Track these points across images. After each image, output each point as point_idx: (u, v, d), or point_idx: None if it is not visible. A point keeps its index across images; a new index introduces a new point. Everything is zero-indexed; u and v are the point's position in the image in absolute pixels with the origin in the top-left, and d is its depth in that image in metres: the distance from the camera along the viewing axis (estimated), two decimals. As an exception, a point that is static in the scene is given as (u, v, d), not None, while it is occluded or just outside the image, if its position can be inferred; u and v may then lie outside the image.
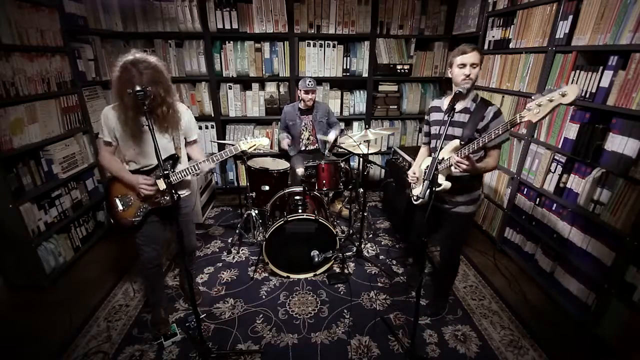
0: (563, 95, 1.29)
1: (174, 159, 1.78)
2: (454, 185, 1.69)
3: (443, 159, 1.66)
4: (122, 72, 1.52)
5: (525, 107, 1.41)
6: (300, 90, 2.88)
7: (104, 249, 2.77)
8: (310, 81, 2.80)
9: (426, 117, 1.94)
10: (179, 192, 1.85)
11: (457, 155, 1.54)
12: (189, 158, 1.92)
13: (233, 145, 1.84)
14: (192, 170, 1.76)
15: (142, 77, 1.51)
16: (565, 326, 2.03)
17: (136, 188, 1.72)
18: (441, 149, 1.74)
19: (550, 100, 1.33)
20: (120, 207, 1.77)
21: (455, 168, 1.55)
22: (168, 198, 1.77)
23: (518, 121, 1.41)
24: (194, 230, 2.10)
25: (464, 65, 1.60)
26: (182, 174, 1.74)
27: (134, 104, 1.53)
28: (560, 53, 2.13)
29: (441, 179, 1.67)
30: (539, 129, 2.32)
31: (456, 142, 1.63)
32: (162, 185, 1.74)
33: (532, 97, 1.39)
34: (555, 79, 2.16)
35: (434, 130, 1.82)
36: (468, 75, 1.60)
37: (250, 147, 1.88)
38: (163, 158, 1.68)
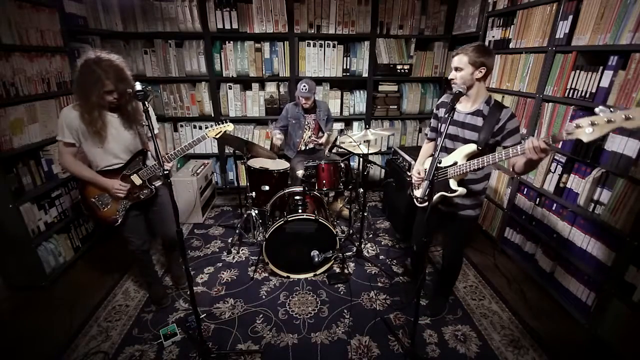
0: (627, 119, 1.09)
1: (144, 154, 1.85)
2: (464, 188, 1.66)
3: (455, 163, 1.63)
4: (86, 71, 1.55)
5: (573, 122, 1.22)
6: (298, 96, 2.91)
7: (104, 249, 2.77)
8: (304, 86, 2.80)
9: (435, 112, 1.89)
10: (154, 184, 1.93)
11: (534, 142, 1.32)
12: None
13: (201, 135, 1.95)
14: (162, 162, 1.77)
15: (109, 75, 1.55)
16: (565, 326, 2.03)
17: (111, 191, 1.76)
18: (446, 149, 1.74)
19: (609, 122, 1.13)
20: (101, 207, 1.81)
21: (533, 154, 1.35)
22: (146, 192, 1.87)
23: (564, 137, 1.25)
24: (173, 218, 2.13)
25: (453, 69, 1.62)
26: (152, 169, 1.83)
27: (99, 102, 1.59)
28: (560, 53, 2.12)
29: (453, 184, 1.65)
30: (539, 129, 2.32)
31: (473, 146, 1.60)
32: (137, 180, 1.82)
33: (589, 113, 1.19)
34: (555, 79, 2.16)
35: (448, 129, 1.74)
36: (451, 80, 1.62)
37: (216, 134, 2.01)
38: (133, 154, 1.79)
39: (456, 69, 1.60)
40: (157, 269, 2.47)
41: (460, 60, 1.58)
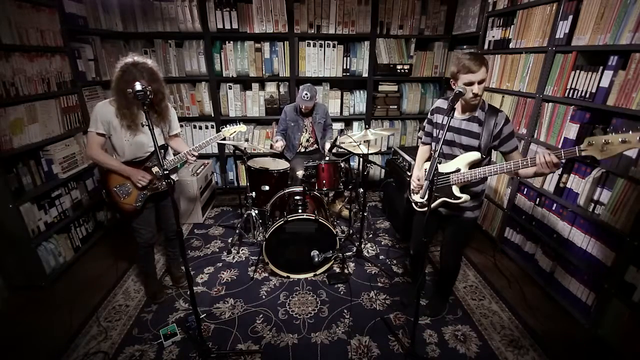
0: None
1: (165, 149, 2.03)
2: (465, 193, 1.65)
3: (458, 170, 1.62)
4: (124, 72, 1.72)
5: (586, 140, 1.25)
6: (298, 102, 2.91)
7: (104, 249, 2.77)
8: (305, 94, 2.79)
9: (429, 117, 1.87)
10: (172, 177, 2.06)
11: (547, 157, 1.34)
12: (174, 149, 2.14)
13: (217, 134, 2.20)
14: (184, 156, 1.98)
15: (143, 76, 1.71)
16: (565, 326, 2.03)
17: (134, 179, 1.89)
18: (443, 155, 1.74)
19: (624, 142, 1.16)
20: (122, 196, 1.92)
21: (546, 169, 1.37)
22: (165, 183, 1.93)
23: (577, 154, 1.27)
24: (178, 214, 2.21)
25: (471, 83, 1.51)
26: (176, 160, 1.98)
27: (134, 99, 1.69)
28: (560, 53, 2.12)
29: (456, 191, 1.65)
30: (539, 129, 2.32)
31: (476, 155, 1.59)
32: (156, 171, 1.96)
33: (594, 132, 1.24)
34: (555, 79, 2.16)
35: (441, 135, 1.71)
36: (477, 95, 1.52)
37: (231, 133, 2.23)
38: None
39: (480, 82, 1.51)
40: (157, 268, 2.48)
41: (484, 72, 1.50)
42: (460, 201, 1.63)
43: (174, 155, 2.04)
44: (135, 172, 1.88)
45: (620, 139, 1.16)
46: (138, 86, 1.44)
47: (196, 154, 1.99)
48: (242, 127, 2.31)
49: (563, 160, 1.31)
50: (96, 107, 1.84)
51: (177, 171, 2.17)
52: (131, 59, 1.75)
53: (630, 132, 1.15)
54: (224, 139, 2.24)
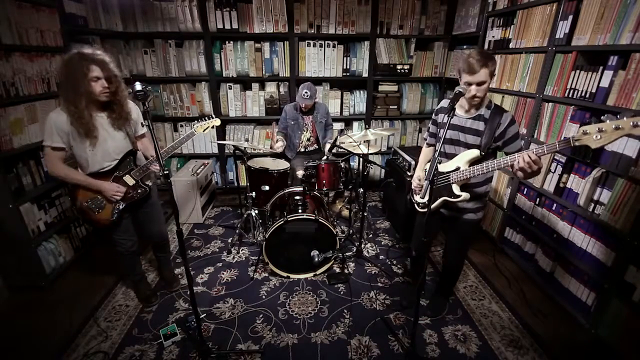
0: (635, 126, 1.11)
1: (133, 154, 1.85)
2: (468, 193, 1.65)
3: (458, 168, 1.62)
4: (71, 64, 1.55)
5: (580, 129, 1.24)
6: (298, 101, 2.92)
7: (104, 249, 2.76)
8: (305, 92, 2.80)
9: (434, 117, 1.87)
10: (147, 183, 1.92)
11: (525, 158, 1.37)
12: (143, 152, 1.98)
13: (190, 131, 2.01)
14: (154, 161, 1.83)
15: (96, 62, 1.56)
16: (565, 326, 2.03)
17: (107, 194, 1.75)
18: (446, 154, 1.74)
19: (617, 128, 1.14)
20: (95, 211, 1.79)
21: (520, 169, 1.40)
22: (140, 191, 1.87)
23: (571, 144, 1.26)
24: (163, 219, 2.17)
25: (470, 84, 1.52)
26: (147, 166, 1.83)
27: (88, 93, 1.58)
28: (560, 53, 2.12)
29: (456, 189, 1.64)
30: (539, 129, 2.32)
31: (475, 152, 1.59)
32: (130, 181, 1.82)
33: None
34: (555, 79, 2.16)
35: (448, 134, 1.69)
36: (474, 96, 1.53)
37: (204, 129, 2.06)
38: (123, 154, 1.79)
39: (480, 83, 1.51)
40: (152, 273, 2.48)
41: (486, 74, 1.50)
42: (459, 199, 1.62)
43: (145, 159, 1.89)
44: (106, 185, 1.74)
45: (613, 126, 1.16)
46: (138, 86, 1.36)
47: (157, 167, 1.78)
48: (215, 121, 2.12)
49: (547, 152, 1.33)
50: (49, 116, 1.63)
51: (151, 177, 1.99)
52: (76, 50, 1.58)
53: (625, 118, 1.14)
54: (204, 134, 2.11)
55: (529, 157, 1.36)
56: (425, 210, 1.82)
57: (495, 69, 1.55)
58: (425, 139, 1.98)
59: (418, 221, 2.00)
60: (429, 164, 1.87)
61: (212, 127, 2.12)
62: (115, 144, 1.77)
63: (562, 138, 1.29)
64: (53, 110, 1.68)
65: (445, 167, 1.69)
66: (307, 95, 2.80)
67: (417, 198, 1.88)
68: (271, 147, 3.00)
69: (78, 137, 1.66)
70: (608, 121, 1.18)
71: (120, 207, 1.84)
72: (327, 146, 2.83)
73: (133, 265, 2.14)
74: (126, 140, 1.81)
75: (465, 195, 1.62)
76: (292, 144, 3.07)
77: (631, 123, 1.12)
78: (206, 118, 2.11)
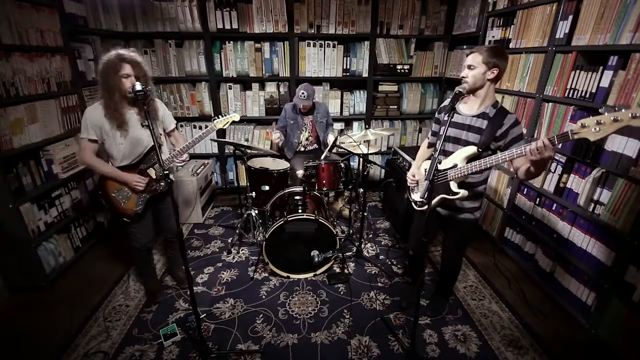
0: (634, 117, 1.09)
1: (158, 148, 1.88)
2: (465, 190, 1.64)
3: (456, 165, 1.62)
4: (107, 63, 1.69)
5: (579, 122, 1.22)
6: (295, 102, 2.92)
7: (104, 249, 2.77)
8: (302, 93, 2.80)
9: (437, 116, 1.87)
10: (169, 177, 1.94)
11: (539, 143, 1.30)
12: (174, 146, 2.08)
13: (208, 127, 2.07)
14: (177, 155, 1.90)
15: (126, 61, 1.68)
16: (565, 326, 2.03)
17: (131, 184, 1.84)
18: (444, 152, 1.73)
19: (616, 120, 1.13)
20: (122, 202, 1.88)
21: (535, 156, 1.33)
22: (163, 184, 1.95)
23: (570, 137, 1.24)
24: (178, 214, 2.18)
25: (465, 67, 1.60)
26: (170, 160, 1.89)
27: (118, 87, 1.70)
28: (560, 53, 2.12)
29: (454, 186, 1.64)
30: (539, 129, 2.32)
31: (473, 149, 1.59)
32: (154, 174, 1.91)
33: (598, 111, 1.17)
34: (555, 79, 2.16)
35: (450, 132, 1.71)
36: (462, 77, 1.60)
37: (224, 124, 2.11)
38: (148, 148, 1.88)
39: (469, 67, 1.58)
40: (158, 268, 2.49)
41: (475, 58, 1.56)
42: (457, 197, 1.62)
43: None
44: (130, 177, 1.84)
45: (612, 118, 1.13)
46: (138, 86, 1.42)
47: (183, 157, 1.92)
48: (235, 116, 2.17)
49: (556, 143, 1.28)
50: (86, 111, 1.78)
51: (173, 171, 2.12)
52: (115, 51, 1.71)
53: (623, 110, 1.13)
54: (222, 129, 2.14)
55: (541, 141, 1.29)
56: (421, 208, 1.83)
57: (496, 63, 1.53)
58: (428, 138, 1.97)
59: (415, 221, 2.00)
60: (425, 162, 1.88)
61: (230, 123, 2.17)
62: (142, 139, 1.86)
63: (567, 147, 1.25)
64: (91, 105, 1.80)
65: (443, 164, 1.69)
66: (305, 96, 2.80)
67: (414, 196, 1.88)
68: (271, 143, 3.00)
69: (110, 131, 1.77)
70: (606, 113, 1.16)
71: (145, 198, 1.91)
72: (331, 137, 2.80)
73: (146, 261, 2.17)
74: (150, 136, 1.89)
75: (463, 192, 1.62)
76: (291, 143, 3.07)
77: (630, 114, 1.10)
78: (224, 114, 2.17)
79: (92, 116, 1.76)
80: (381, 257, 2.72)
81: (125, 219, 1.92)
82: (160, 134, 1.97)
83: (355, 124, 3.79)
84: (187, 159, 1.98)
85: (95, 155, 1.84)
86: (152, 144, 1.86)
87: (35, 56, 2.24)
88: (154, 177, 1.91)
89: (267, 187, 2.72)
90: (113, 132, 1.77)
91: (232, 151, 2.95)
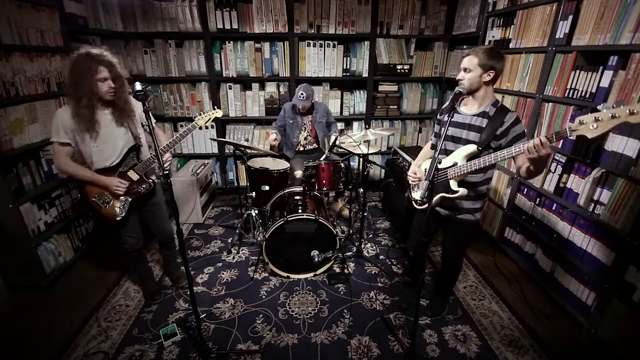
0: (631, 114, 1.10)
1: (137, 149, 1.87)
2: (465, 189, 1.64)
3: (455, 164, 1.62)
4: (79, 63, 1.60)
5: (577, 119, 1.22)
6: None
7: (104, 249, 2.77)
8: (301, 94, 2.80)
9: (438, 117, 1.87)
10: (151, 178, 1.95)
11: (536, 140, 1.31)
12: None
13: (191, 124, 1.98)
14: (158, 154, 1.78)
15: (102, 63, 1.61)
16: (565, 326, 2.03)
17: (110, 189, 1.79)
18: (445, 151, 1.73)
19: (614, 117, 1.13)
20: (103, 206, 1.83)
21: (532, 154, 1.34)
22: (145, 186, 1.89)
23: (568, 135, 1.24)
24: (168, 217, 2.17)
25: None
26: (152, 160, 1.84)
27: (93, 92, 1.63)
28: (560, 53, 2.12)
29: (454, 185, 1.63)
30: (539, 129, 2.32)
31: (472, 147, 1.59)
32: (134, 176, 1.85)
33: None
34: (555, 79, 2.16)
35: (450, 132, 1.72)
36: (459, 80, 1.60)
37: (206, 121, 2.00)
38: (126, 150, 1.81)
39: (465, 69, 1.57)
40: (155, 269, 2.49)
41: (470, 61, 1.55)
42: (457, 195, 1.62)
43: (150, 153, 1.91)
44: (109, 180, 1.77)
45: (610, 114, 1.14)
46: (138, 86, 1.38)
47: (166, 154, 1.86)
48: (217, 112, 2.05)
49: (553, 141, 1.28)
50: (56, 113, 1.70)
51: (154, 172, 2.01)
52: (84, 50, 1.63)
53: (621, 106, 1.13)
54: (200, 128, 2.06)
55: (538, 138, 1.29)
56: (422, 207, 1.83)
57: (492, 65, 1.53)
58: (430, 139, 1.98)
59: (416, 221, 2.00)
60: (425, 161, 1.88)
61: (212, 120, 2.06)
62: (118, 140, 1.80)
63: (567, 147, 1.25)
64: (61, 108, 1.74)
65: (443, 163, 1.69)
66: (303, 97, 2.80)
67: (415, 195, 1.88)
68: (271, 146, 3.00)
69: (81, 133, 1.70)
70: (604, 110, 1.16)
71: (127, 201, 1.86)
72: (332, 137, 2.79)
73: (138, 262, 2.17)
74: (128, 136, 1.83)
75: (462, 190, 1.61)
76: (290, 142, 3.07)
77: (627, 111, 1.11)
78: (205, 112, 2.04)
79: (63, 118, 1.67)
80: (381, 257, 2.72)
81: (109, 223, 1.87)
82: (140, 135, 1.89)
83: (355, 124, 3.79)
84: (170, 158, 1.92)
85: (71, 159, 1.77)
86: (131, 144, 1.82)
87: (35, 56, 2.24)
88: (134, 179, 1.85)
89: (267, 187, 2.72)
90: (83, 135, 1.70)
91: (232, 151, 2.95)
